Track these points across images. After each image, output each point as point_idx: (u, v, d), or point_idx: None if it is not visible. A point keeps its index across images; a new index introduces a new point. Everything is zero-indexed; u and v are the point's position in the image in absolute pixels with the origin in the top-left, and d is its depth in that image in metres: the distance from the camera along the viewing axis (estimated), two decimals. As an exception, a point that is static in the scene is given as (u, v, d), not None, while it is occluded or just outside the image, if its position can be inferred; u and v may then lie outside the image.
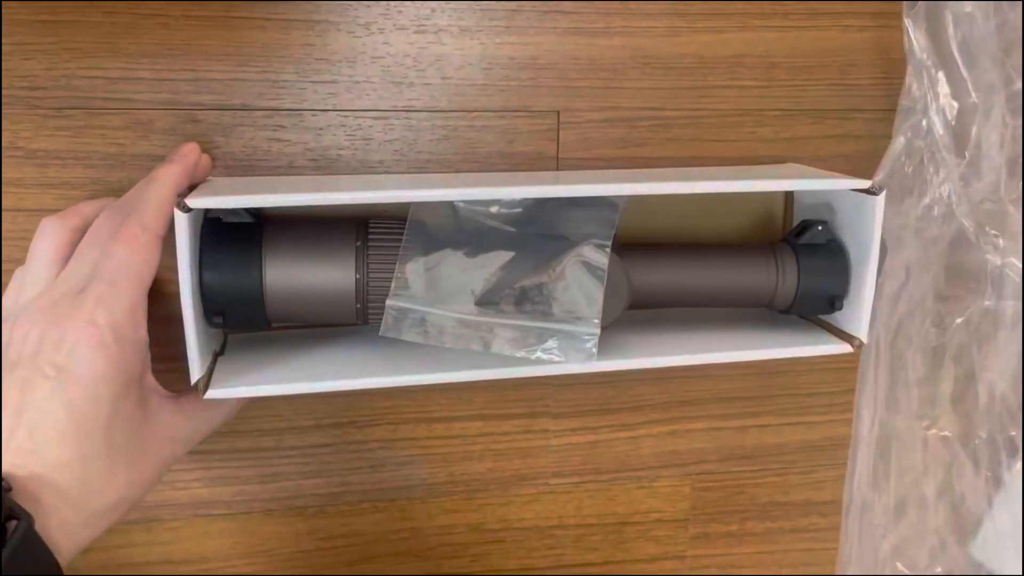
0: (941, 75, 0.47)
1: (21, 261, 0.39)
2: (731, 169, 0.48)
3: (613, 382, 0.52)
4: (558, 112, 0.47)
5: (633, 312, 0.44)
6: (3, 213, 0.43)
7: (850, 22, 0.49)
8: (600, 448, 0.53)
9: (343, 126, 0.45)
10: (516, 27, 0.46)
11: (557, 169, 0.48)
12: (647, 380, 0.53)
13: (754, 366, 0.54)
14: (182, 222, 0.36)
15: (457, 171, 0.47)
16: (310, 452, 0.50)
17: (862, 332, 0.43)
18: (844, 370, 0.55)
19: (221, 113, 0.44)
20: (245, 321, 0.40)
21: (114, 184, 0.44)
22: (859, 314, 0.43)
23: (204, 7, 0.43)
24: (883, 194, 0.41)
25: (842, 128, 0.51)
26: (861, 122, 0.51)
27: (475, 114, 0.46)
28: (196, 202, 0.36)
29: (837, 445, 0.56)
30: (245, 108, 0.44)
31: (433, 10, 0.45)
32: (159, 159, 0.44)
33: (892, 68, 0.50)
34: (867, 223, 0.42)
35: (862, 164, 0.51)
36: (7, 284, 0.44)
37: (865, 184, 0.41)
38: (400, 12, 0.44)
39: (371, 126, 0.45)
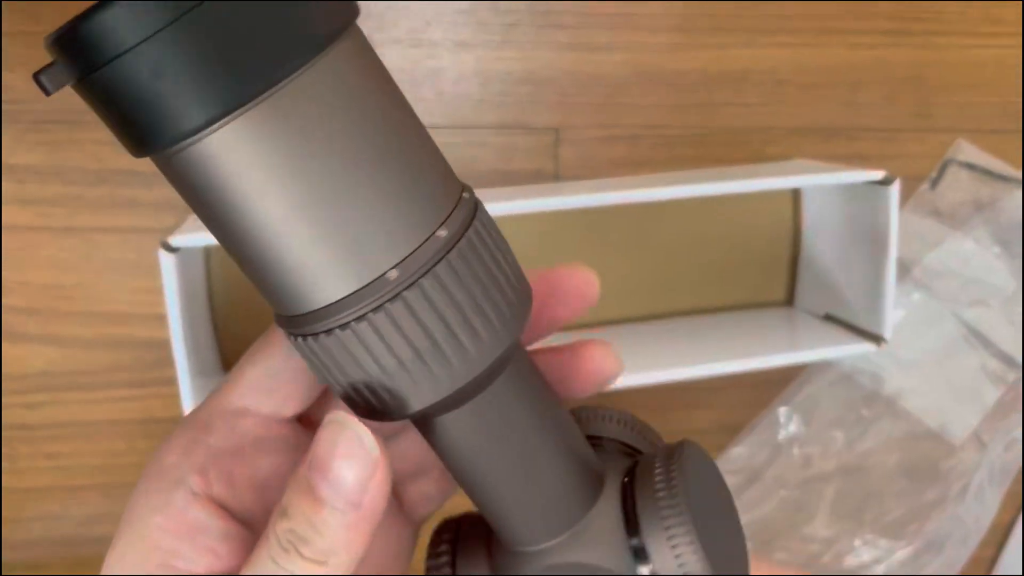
0: None
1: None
2: (736, 168, 0.47)
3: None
4: (557, 129, 0.46)
5: (632, 326, 0.43)
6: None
7: (859, 40, 0.48)
8: (600, 479, 0.51)
9: (334, 142, 0.44)
10: (513, 41, 0.44)
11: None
12: (648, 409, 0.51)
13: (757, 395, 0.52)
14: (168, 264, 0.34)
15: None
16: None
17: (885, 330, 0.42)
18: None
19: (207, 128, 0.42)
20: None
21: (93, 201, 0.42)
22: (881, 311, 0.42)
23: (190, 18, 0.41)
24: (896, 182, 0.40)
25: (851, 147, 0.49)
26: (871, 141, 0.49)
27: (472, 130, 0.45)
28: (180, 240, 0.34)
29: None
30: (232, 123, 0.43)
31: (428, 23, 0.43)
32: (141, 175, 0.42)
33: (902, 87, 0.49)
34: (882, 215, 0.41)
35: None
36: (7, 306, 0.42)
37: (879, 175, 0.40)
38: (395, 25, 0.43)
39: (363, 142, 0.44)
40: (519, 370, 0.20)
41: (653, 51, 0.46)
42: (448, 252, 0.17)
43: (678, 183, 0.39)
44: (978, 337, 0.52)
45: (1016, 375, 0.52)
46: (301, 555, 0.19)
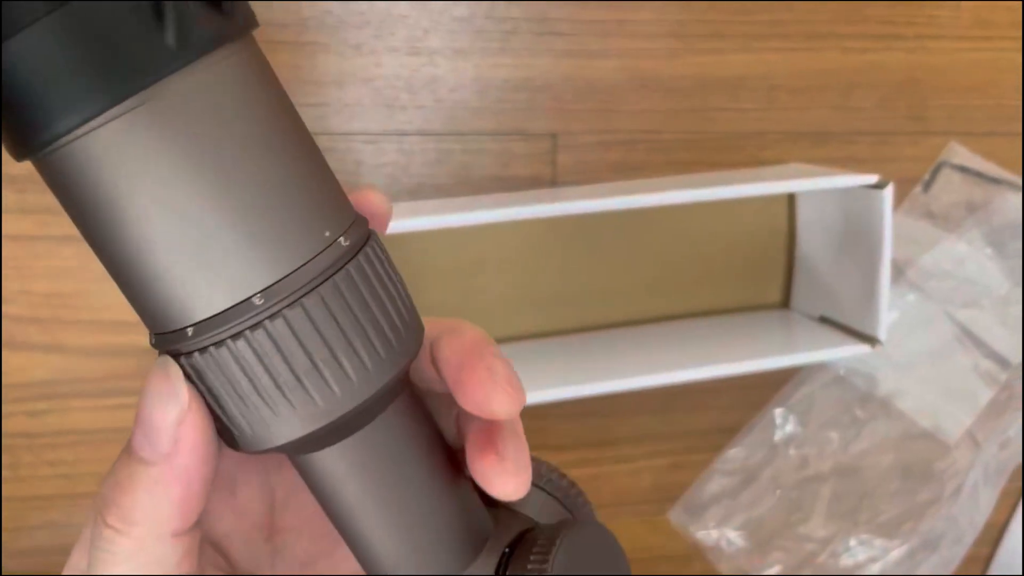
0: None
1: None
2: (732, 173, 0.48)
3: (613, 413, 0.51)
4: (554, 135, 0.46)
5: (630, 329, 0.43)
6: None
7: (852, 44, 0.48)
8: (600, 481, 0.52)
9: (333, 149, 0.44)
10: (511, 49, 0.44)
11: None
12: (648, 411, 0.51)
13: (754, 396, 0.52)
14: None
15: (450, 196, 0.45)
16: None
17: (880, 331, 0.43)
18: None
19: (206, 136, 0.43)
20: None
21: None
22: (875, 313, 0.43)
23: (189, 28, 0.41)
24: (890, 186, 0.40)
25: (845, 151, 0.49)
26: (865, 145, 0.50)
27: (469, 137, 0.45)
28: None
29: (842, 476, 0.55)
30: (231, 131, 0.43)
31: (426, 31, 0.44)
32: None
33: (895, 91, 0.49)
34: (876, 218, 0.41)
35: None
36: (8, 315, 0.42)
37: (872, 179, 0.40)
38: (392, 34, 0.43)
39: (361, 149, 0.44)
40: (400, 414, 0.19)
41: (649, 57, 0.46)
42: (320, 285, 0.16)
43: (674, 188, 0.39)
44: (971, 338, 0.52)
45: (1009, 375, 0.53)
46: (106, 523, 0.17)
